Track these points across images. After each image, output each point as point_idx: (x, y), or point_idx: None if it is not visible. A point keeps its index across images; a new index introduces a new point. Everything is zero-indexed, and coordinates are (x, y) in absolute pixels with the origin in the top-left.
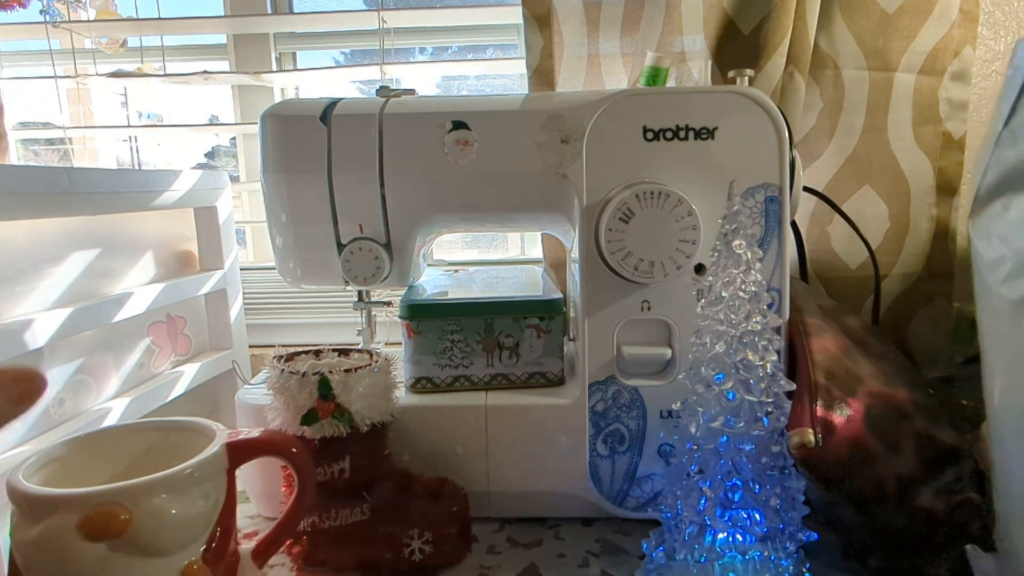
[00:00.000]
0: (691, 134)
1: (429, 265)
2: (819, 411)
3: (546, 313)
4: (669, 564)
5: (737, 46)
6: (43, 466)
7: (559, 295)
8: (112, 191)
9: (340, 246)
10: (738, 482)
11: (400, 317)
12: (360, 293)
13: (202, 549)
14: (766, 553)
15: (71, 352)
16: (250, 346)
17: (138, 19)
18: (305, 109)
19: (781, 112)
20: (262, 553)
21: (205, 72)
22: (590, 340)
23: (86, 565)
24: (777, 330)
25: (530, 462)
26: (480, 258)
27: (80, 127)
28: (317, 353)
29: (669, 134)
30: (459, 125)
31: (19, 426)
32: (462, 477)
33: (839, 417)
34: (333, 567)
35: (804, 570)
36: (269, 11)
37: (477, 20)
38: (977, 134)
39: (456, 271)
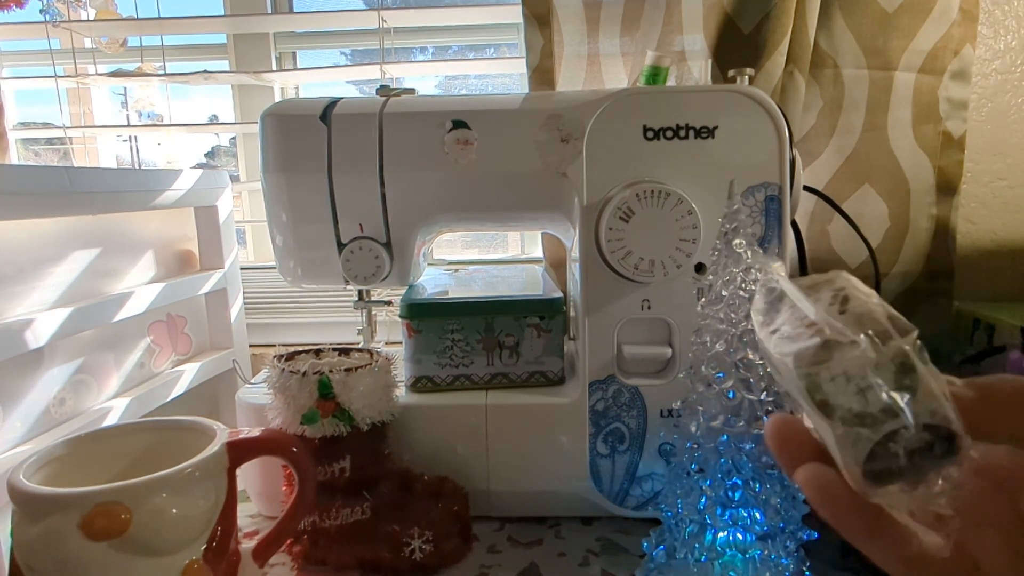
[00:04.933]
0: (691, 133)
1: (429, 264)
2: None
3: (546, 312)
4: (669, 563)
5: (737, 45)
6: (44, 465)
7: (559, 294)
8: (112, 191)
9: (340, 245)
10: (738, 481)
11: (400, 316)
12: (360, 292)
13: (203, 548)
14: (766, 552)
15: (71, 351)
16: (250, 345)
17: (138, 19)
18: (305, 108)
19: (781, 111)
20: (263, 552)
21: (205, 72)
22: (590, 339)
23: (87, 564)
24: None
25: (530, 461)
26: (480, 257)
27: (80, 127)
28: (317, 352)
29: (669, 133)
30: (459, 124)
31: (19, 425)
32: (462, 476)
33: None
34: (334, 566)
35: (804, 569)
36: (269, 11)
37: (477, 20)
38: (977, 133)
39: (456, 270)
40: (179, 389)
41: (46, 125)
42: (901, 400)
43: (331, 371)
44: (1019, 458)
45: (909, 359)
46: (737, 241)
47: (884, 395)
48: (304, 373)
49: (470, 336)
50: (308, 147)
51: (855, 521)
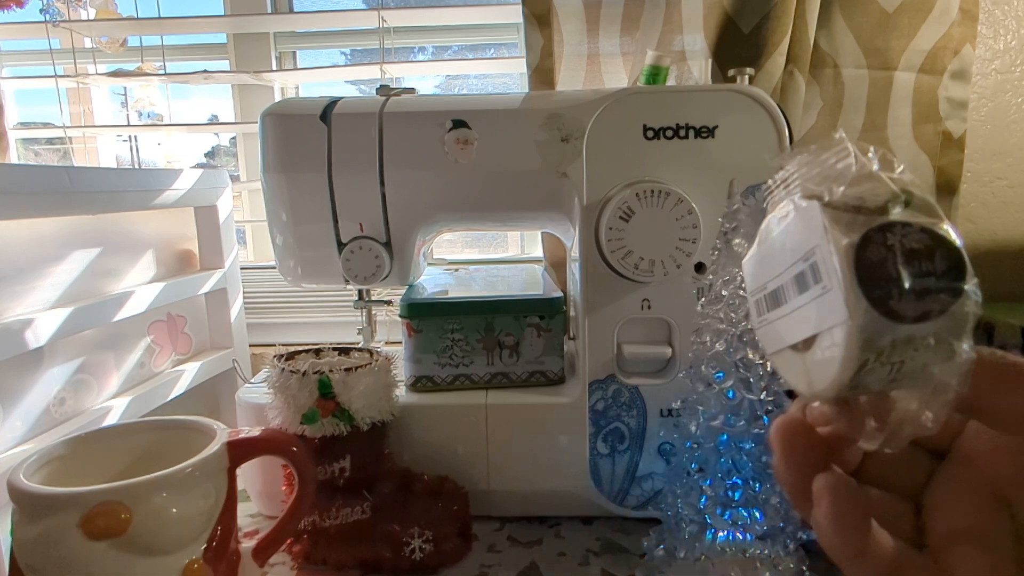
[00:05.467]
0: (691, 133)
1: (429, 264)
2: None
3: (546, 312)
4: (669, 563)
5: (737, 45)
6: (44, 465)
7: (559, 294)
8: (112, 190)
9: (340, 245)
10: (738, 481)
11: (400, 316)
12: (360, 292)
13: (203, 548)
14: (766, 552)
15: (72, 351)
16: (250, 345)
17: (138, 18)
18: (305, 108)
19: (781, 111)
20: (263, 552)
21: (205, 71)
22: (590, 339)
23: (87, 564)
24: None
25: (530, 461)
26: (480, 257)
27: (80, 127)
28: (317, 352)
29: (669, 133)
30: (459, 124)
31: (19, 425)
32: (462, 476)
33: None
34: (334, 566)
35: (804, 569)
36: (269, 10)
37: (477, 19)
38: (977, 133)
39: (456, 270)
40: (179, 389)
41: (46, 125)
42: (898, 199)
43: (331, 371)
44: (1005, 444)
45: (910, 191)
46: (737, 241)
47: (886, 183)
48: (304, 373)
49: (470, 336)
50: (308, 147)
51: (851, 535)
